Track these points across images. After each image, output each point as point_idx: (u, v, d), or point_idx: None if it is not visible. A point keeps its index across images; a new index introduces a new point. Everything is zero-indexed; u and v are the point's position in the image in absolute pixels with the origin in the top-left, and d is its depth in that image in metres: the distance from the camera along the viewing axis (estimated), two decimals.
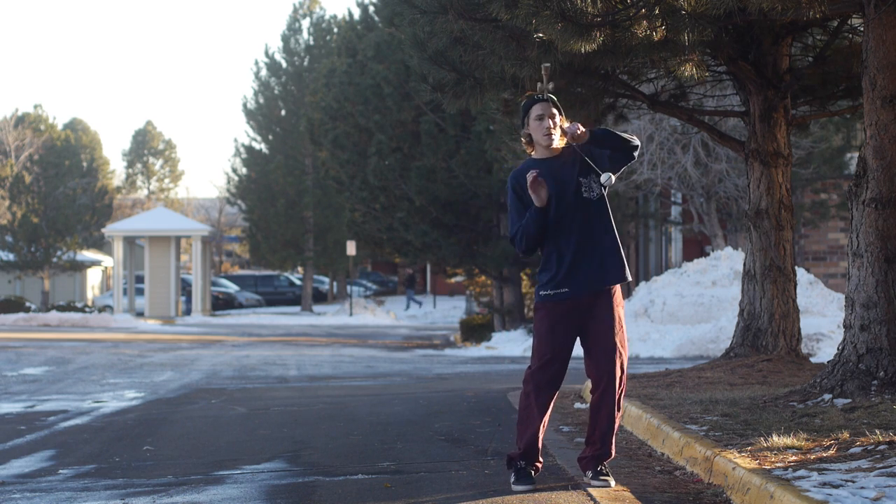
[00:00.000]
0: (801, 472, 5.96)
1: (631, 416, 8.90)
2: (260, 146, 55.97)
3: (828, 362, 9.08)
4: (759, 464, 6.29)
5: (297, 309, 54.79)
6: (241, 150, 56.41)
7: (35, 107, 64.06)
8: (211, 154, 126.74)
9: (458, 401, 11.89)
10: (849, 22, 11.48)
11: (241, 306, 55.36)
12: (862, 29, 9.57)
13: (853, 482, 5.70)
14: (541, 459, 6.54)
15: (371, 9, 35.56)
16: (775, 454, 6.51)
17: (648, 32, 8.89)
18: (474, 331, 29.67)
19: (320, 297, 62.65)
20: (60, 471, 7.89)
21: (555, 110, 6.48)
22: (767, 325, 11.71)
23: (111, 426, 10.53)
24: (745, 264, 12.04)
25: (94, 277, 63.91)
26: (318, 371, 18.13)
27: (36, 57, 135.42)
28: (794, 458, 6.40)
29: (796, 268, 13.55)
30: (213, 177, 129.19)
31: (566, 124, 6.45)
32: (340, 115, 31.30)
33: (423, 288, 66.95)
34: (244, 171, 56.22)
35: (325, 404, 11.97)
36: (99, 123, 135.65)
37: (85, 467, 8.02)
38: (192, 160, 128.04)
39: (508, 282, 29.71)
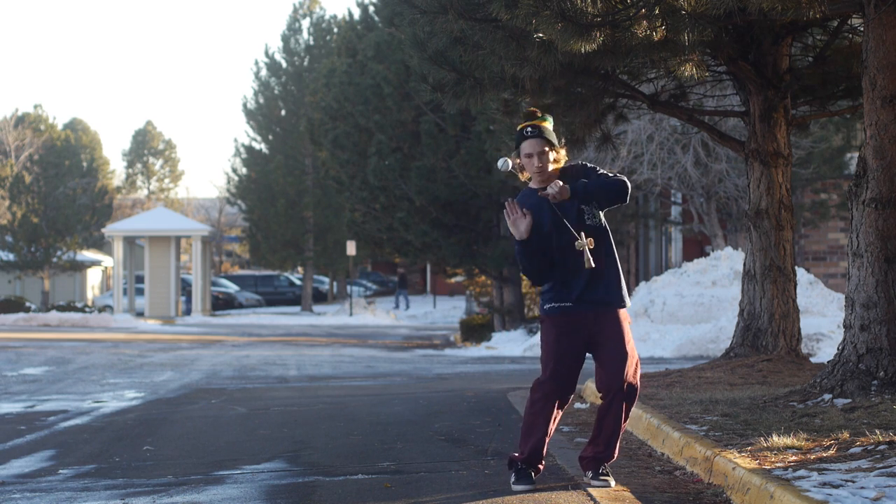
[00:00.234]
0: (801, 472, 5.96)
1: (631, 416, 8.89)
2: (260, 146, 55.96)
3: (828, 362, 9.08)
4: (759, 464, 6.30)
5: (297, 309, 54.77)
6: (241, 150, 56.40)
7: (35, 107, 64.13)
8: (211, 154, 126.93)
9: (458, 401, 11.89)
10: (849, 22, 11.47)
11: (241, 306, 55.35)
12: (862, 29, 9.57)
13: (853, 482, 5.70)
14: (543, 463, 6.55)
15: (371, 9, 35.52)
16: (775, 454, 6.51)
17: (648, 32, 8.89)
18: (474, 331, 29.65)
19: (320, 297, 62.64)
20: (60, 471, 7.89)
21: (546, 147, 6.41)
22: (767, 325, 11.71)
23: (111, 426, 10.53)
24: (745, 264, 12.03)
25: (94, 277, 63.91)
26: (318, 371, 18.12)
27: (36, 57, 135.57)
28: (794, 458, 6.40)
29: (796, 268, 13.54)
30: (213, 177, 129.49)
31: (547, 189, 6.33)
32: (340, 115, 31.27)
33: (423, 288, 66.93)
34: (244, 171, 56.20)
35: (325, 404, 11.97)
36: (99, 123, 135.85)
37: (85, 467, 8.02)
38: (192, 160, 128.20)
39: (508, 282, 29.70)
